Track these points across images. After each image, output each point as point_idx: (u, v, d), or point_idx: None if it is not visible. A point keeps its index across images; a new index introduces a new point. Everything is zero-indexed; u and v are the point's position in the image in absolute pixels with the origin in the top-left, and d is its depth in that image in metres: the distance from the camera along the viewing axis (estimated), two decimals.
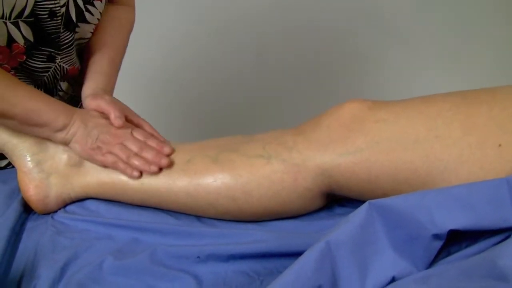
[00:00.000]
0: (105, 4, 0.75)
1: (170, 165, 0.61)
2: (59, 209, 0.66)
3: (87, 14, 0.71)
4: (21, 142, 0.65)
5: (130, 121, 0.67)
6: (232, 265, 0.52)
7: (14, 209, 0.63)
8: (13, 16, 0.61)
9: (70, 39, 0.71)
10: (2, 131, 0.65)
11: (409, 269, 0.41)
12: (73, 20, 0.70)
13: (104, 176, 0.63)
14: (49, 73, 0.72)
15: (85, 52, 0.77)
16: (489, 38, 1.59)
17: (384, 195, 0.49)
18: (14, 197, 0.66)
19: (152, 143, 0.63)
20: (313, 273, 0.40)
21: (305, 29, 1.53)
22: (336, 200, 0.62)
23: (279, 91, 1.62)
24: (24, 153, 0.65)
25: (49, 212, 0.65)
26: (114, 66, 0.76)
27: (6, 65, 0.66)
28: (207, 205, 0.59)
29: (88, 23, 0.73)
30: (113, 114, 0.64)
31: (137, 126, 0.68)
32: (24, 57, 0.67)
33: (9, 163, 0.74)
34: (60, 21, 0.67)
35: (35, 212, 0.66)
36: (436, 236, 0.42)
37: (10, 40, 0.63)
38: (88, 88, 0.70)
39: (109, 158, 0.62)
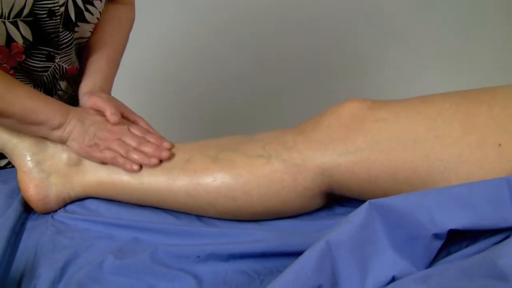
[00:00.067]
0: (105, 3, 0.75)
1: (171, 157, 0.62)
2: (59, 208, 0.66)
3: (86, 14, 0.72)
4: (21, 142, 0.65)
5: (126, 118, 0.68)
6: (232, 265, 0.52)
7: (14, 209, 0.63)
8: (12, 15, 0.61)
9: (69, 38, 0.71)
10: (2, 131, 0.65)
11: (409, 269, 0.41)
12: (72, 20, 0.70)
13: (104, 175, 0.63)
14: (48, 72, 0.72)
15: (84, 51, 0.77)
16: (489, 38, 1.59)
17: (384, 194, 0.49)
18: (14, 197, 0.66)
19: (151, 138, 0.64)
20: (313, 272, 0.40)
21: (305, 29, 1.53)
22: (336, 199, 0.62)
23: (279, 91, 1.63)
24: (24, 153, 0.65)
25: (49, 212, 0.65)
26: (113, 65, 0.76)
27: (5, 65, 0.66)
28: (207, 205, 0.59)
29: (88, 22, 0.73)
30: (109, 111, 0.64)
31: (133, 123, 0.68)
32: (23, 56, 0.67)
33: (9, 163, 0.74)
34: (59, 20, 0.67)
35: (35, 212, 0.66)
36: (436, 236, 0.42)
37: (9, 39, 0.63)
38: (85, 86, 0.70)
39: (108, 154, 0.62)
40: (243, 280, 0.51)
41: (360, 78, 1.65)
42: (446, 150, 0.49)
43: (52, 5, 0.65)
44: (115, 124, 0.64)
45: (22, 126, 0.62)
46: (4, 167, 0.76)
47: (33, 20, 0.64)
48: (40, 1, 0.63)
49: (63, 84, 0.78)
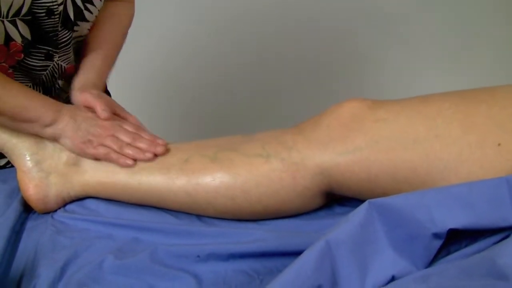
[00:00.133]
0: (105, 0, 0.75)
1: (165, 152, 0.62)
2: (59, 208, 0.66)
3: (86, 13, 0.72)
4: (21, 141, 0.65)
5: (117, 115, 0.68)
6: (232, 264, 0.52)
7: (14, 209, 0.63)
8: (10, 14, 0.61)
9: (68, 37, 0.72)
10: (2, 131, 0.65)
11: (409, 268, 0.41)
12: (71, 19, 0.70)
13: (103, 175, 0.64)
14: (47, 71, 0.72)
15: (81, 48, 0.77)
16: (489, 38, 1.59)
17: (384, 194, 0.49)
18: (14, 197, 0.66)
19: (143, 134, 0.64)
20: (313, 272, 0.40)
21: (305, 29, 1.53)
22: (335, 199, 0.62)
23: (279, 91, 1.63)
24: (24, 153, 0.65)
25: (49, 211, 0.65)
26: (108, 62, 0.76)
27: (4, 64, 0.66)
28: (206, 204, 0.59)
29: (87, 21, 0.73)
30: (99, 107, 0.64)
31: (123, 119, 0.68)
32: (22, 55, 0.67)
33: (9, 162, 0.74)
34: (57, 19, 0.67)
35: (35, 212, 0.66)
36: (436, 235, 0.42)
37: (8, 38, 0.63)
38: (78, 82, 0.70)
39: (101, 150, 0.62)
40: (243, 279, 0.51)
41: (360, 78, 1.65)
42: (446, 150, 0.49)
43: (51, 4, 0.65)
44: (105, 119, 0.64)
45: (14, 123, 0.62)
46: (4, 166, 0.76)
47: (31, 19, 0.64)
48: (39, 0, 0.63)
49: (61, 83, 0.78)
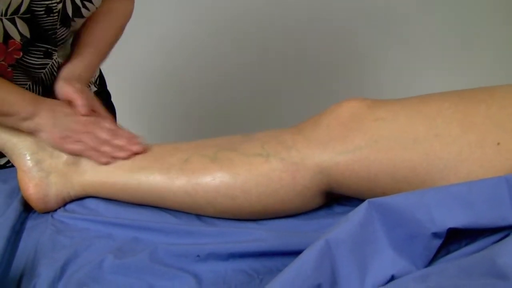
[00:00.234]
0: None
1: (144, 151, 0.62)
2: (59, 207, 0.66)
3: (83, 10, 0.71)
4: (21, 141, 0.65)
5: (96, 112, 0.68)
6: (231, 264, 0.53)
7: (14, 208, 0.63)
8: (9, 12, 0.61)
9: (66, 34, 0.72)
10: (2, 131, 0.65)
11: (409, 268, 0.41)
12: (69, 16, 0.70)
13: (103, 175, 0.64)
14: (46, 69, 0.72)
15: (75, 40, 0.77)
16: (489, 38, 1.59)
17: (383, 193, 0.49)
18: (14, 196, 0.66)
19: (122, 132, 0.64)
20: (312, 271, 0.40)
21: (305, 29, 1.53)
22: (335, 198, 0.62)
23: (279, 91, 1.63)
24: (24, 152, 0.65)
25: (49, 211, 0.65)
26: (99, 56, 0.76)
27: (3, 62, 0.66)
28: (206, 204, 0.59)
29: (84, 17, 0.73)
30: (80, 102, 0.64)
31: (100, 118, 0.68)
32: (21, 53, 0.67)
33: (9, 161, 0.74)
34: (56, 17, 0.67)
35: (35, 211, 0.66)
36: (436, 235, 0.42)
37: (6, 36, 0.63)
38: (65, 71, 0.70)
39: (78, 146, 0.63)
40: (243, 279, 0.51)
41: (360, 78, 1.65)
42: (446, 149, 0.50)
43: (50, 2, 0.65)
44: (84, 115, 0.64)
45: None
46: (4, 165, 0.76)
47: (30, 17, 0.64)
48: None
49: None
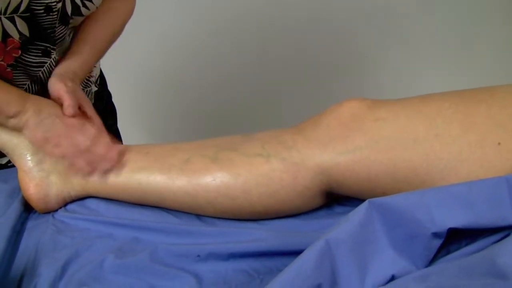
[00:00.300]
0: None
1: (117, 166, 0.63)
2: (60, 207, 0.66)
3: (83, 9, 0.71)
4: (22, 141, 0.65)
5: (84, 113, 0.68)
6: (232, 264, 0.53)
7: (15, 208, 0.63)
8: (8, 11, 0.61)
9: (64, 32, 0.72)
10: (2, 131, 0.65)
11: (409, 268, 0.41)
12: (68, 15, 0.70)
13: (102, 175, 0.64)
14: (44, 68, 0.72)
15: (72, 38, 0.77)
16: (489, 38, 1.59)
17: (383, 193, 0.49)
18: (15, 196, 0.66)
19: (102, 139, 0.64)
20: (312, 271, 0.40)
21: (305, 29, 1.53)
22: (335, 199, 0.62)
23: (279, 91, 1.63)
24: (25, 152, 0.65)
25: (50, 211, 0.65)
26: (96, 54, 0.76)
27: (2, 62, 0.66)
28: (206, 204, 0.59)
29: (83, 16, 0.73)
30: (67, 102, 0.64)
31: (88, 119, 0.68)
32: (19, 52, 0.67)
33: (10, 160, 0.74)
34: (56, 16, 0.67)
35: (35, 211, 0.66)
36: (436, 235, 0.42)
37: (5, 35, 0.63)
38: (60, 67, 0.70)
39: (57, 152, 0.62)
40: (243, 279, 0.51)
41: (360, 78, 1.65)
42: (446, 149, 0.50)
43: (49, 1, 0.65)
44: (68, 116, 0.64)
45: None
46: (5, 165, 0.76)
47: (30, 16, 0.64)
48: None
49: None
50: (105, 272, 0.53)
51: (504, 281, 0.34)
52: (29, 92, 0.73)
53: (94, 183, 0.64)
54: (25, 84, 0.72)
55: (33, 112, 0.62)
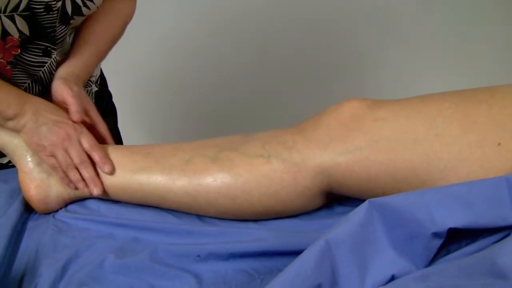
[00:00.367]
0: None
1: (101, 190, 0.63)
2: (60, 208, 0.66)
3: (84, 9, 0.71)
4: (22, 142, 0.65)
5: (89, 116, 0.68)
6: (232, 264, 0.53)
7: (15, 209, 0.63)
8: (8, 10, 0.61)
9: (65, 32, 0.72)
10: (3, 132, 0.65)
11: (409, 268, 0.41)
12: (68, 14, 0.70)
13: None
14: (45, 68, 0.72)
15: (74, 38, 0.77)
16: (489, 38, 1.59)
17: (384, 193, 0.49)
18: (16, 197, 0.66)
19: (95, 155, 0.63)
20: (312, 271, 0.40)
21: (305, 29, 1.53)
22: (335, 199, 0.62)
23: (279, 91, 1.63)
24: (25, 153, 0.65)
25: (50, 212, 0.65)
26: (97, 55, 0.76)
27: (1, 60, 0.66)
28: (207, 204, 0.59)
29: (83, 15, 0.73)
30: (74, 108, 0.64)
31: (93, 124, 0.68)
32: (19, 50, 0.67)
33: (10, 160, 0.74)
34: (56, 15, 0.67)
35: (36, 211, 0.66)
36: (436, 235, 0.42)
37: (4, 33, 0.63)
38: (63, 70, 0.70)
39: (50, 161, 0.63)
40: (243, 279, 0.51)
41: (360, 78, 1.65)
42: (446, 149, 0.50)
43: (49, 0, 0.65)
44: (75, 122, 0.64)
45: None
46: (6, 164, 0.76)
47: (29, 15, 0.64)
48: None
49: None
50: (105, 272, 0.53)
51: (504, 281, 0.34)
52: (29, 91, 0.73)
53: None
54: (25, 83, 0.72)
55: (31, 115, 0.62)
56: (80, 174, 0.63)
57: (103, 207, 0.65)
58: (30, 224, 0.64)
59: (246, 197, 0.58)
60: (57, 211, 0.66)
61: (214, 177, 0.58)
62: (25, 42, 0.66)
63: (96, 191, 0.62)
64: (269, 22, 1.52)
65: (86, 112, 0.67)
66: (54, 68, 0.74)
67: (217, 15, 1.49)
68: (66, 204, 0.66)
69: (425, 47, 1.58)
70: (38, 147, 0.62)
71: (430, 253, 0.43)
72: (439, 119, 0.51)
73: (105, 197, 0.65)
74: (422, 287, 0.37)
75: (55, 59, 0.73)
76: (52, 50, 0.71)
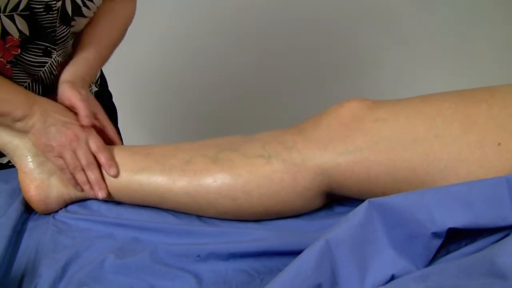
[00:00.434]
0: None
1: (105, 194, 0.63)
2: (60, 209, 0.66)
3: (84, 9, 0.71)
4: (23, 143, 0.65)
5: (98, 120, 0.68)
6: (232, 264, 0.53)
7: (15, 209, 0.63)
8: (8, 9, 0.61)
9: (66, 33, 0.72)
10: (4, 132, 0.65)
11: (409, 268, 0.41)
12: (69, 14, 0.70)
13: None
14: (45, 68, 0.72)
15: (76, 42, 0.77)
16: (489, 38, 1.59)
17: (383, 194, 0.49)
18: (16, 197, 0.66)
19: (102, 157, 0.63)
20: (312, 271, 0.40)
21: (305, 29, 1.53)
22: (335, 199, 0.62)
23: (279, 91, 1.63)
24: (25, 154, 0.65)
25: (50, 212, 0.65)
26: (101, 57, 0.76)
27: (1, 59, 0.66)
28: (207, 205, 0.59)
29: (85, 17, 0.73)
30: (83, 112, 0.64)
31: (101, 127, 0.68)
32: (19, 50, 0.67)
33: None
34: (56, 15, 0.67)
35: (36, 212, 0.66)
36: (436, 235, 0.42)
37: (4, 33, 0.63)
38: (68, 74, 0.69)
39: (58, 162, 0.63)
40: (243, 279, 0.51)
41: (360, 78, 1.65)
42: (446, 149, 0.50)
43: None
44: (85, 126, 0.64)
45: None
46: (6, 164, 0.76)
47: (29, 15, 0.64)
48: None
49: None
50: (105, 272, 0.53)
51: (503, 281, 0.35)
52: (30, 90, 0.73)
53: None
54: (25, 82, 0.72)
55: (40, 116, 0.62)
56: (87, 176, 0.63)
57: (103, 207, 0.65)
58: (30, 224, 0.64)
59: (246, 198, 0.58)
60: (57, 211, 0.66)
61: (214, 178, 0.58)
62: (25, 42, 0.66)
63: (101, 194, 0.63)
64: (269, 22, 1.52)
65: (94, 116, 0.66)
66: (54, 68, 0.74)
67: (217, 15, 1.49)
68: (66, 205, 0.66)
69: (425, 47, 1.58)
70: (46, 148, 0.62)
71: (430, 253, 0.43)
72: (439, 119, 0.51)
73: (106, 198, 0.65)
74: (422, 287, 0.37)
75: (56, 60, 0.73)
76: (52, 50, 0.71)
